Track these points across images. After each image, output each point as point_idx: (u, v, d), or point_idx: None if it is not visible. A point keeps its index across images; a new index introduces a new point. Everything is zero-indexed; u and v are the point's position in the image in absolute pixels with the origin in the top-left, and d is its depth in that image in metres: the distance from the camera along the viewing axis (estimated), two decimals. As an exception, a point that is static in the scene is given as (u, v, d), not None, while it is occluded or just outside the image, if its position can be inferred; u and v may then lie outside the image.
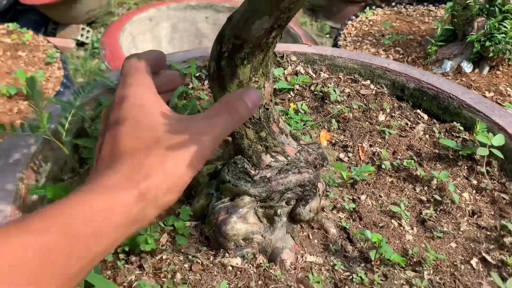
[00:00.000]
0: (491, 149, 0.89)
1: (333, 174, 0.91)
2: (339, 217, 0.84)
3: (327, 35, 4.20)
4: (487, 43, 2.41)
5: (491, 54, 2.40)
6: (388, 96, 1.11)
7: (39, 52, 2.52)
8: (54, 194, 0.70)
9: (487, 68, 2.50)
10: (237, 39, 0.68)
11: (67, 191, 0.70)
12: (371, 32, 2.93)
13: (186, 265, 0.73)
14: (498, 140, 0.89)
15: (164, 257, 0.74)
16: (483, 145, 0.89)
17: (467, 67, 2.51)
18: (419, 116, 1.07)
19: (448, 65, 2.50)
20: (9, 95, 2.14)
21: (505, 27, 2.35)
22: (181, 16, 2.88)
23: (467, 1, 2.41)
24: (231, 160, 0.79)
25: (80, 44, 3.74)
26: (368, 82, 1.14)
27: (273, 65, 1.12)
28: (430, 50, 2.56)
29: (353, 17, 3.04)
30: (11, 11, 3.91)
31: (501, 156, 0.88)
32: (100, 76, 1.00)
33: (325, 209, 0.85)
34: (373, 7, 3.14)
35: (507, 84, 2.46)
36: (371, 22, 3.02)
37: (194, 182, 0.85)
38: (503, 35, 2.33)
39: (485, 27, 2.42)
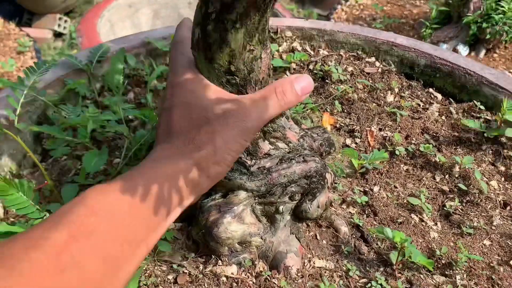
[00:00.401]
0: (519, 128, 0.77)
1: (339, 162, 0.79)
2: (350, 212, 0.72)
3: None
4: (484, 25, 2.31)
5: (487, 36, 2.29)
6: (396, 74, 0.99)
7: (9, 41, 2.34)
8: (2, 190, 0.55)
9: (483, 51, 2.41)
10: (227, -4, 0.55)
11: (19, 187, 0.56)
12: (362, 16, 2.81)
13: (170, 277, 0.60)
14: (527, 118, 0.77)
15: (143, 267, 0.60)
16: (511, 125, 0.77)
17: (463, 50, 2.41)
18: (432, 96, 0.95)
19: (444, 47, 2.39)
20: (-24, 86, 1.97)
21: (502, 7, 2.25)
22: (162, 1, 2.72)
23: (463, -19, 2.30)
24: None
25: (58, 35, 3.55)
26: (373, 59, 1.01)
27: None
28: (424, 33, 2.46)
29: (343, 1, 2.92)
30: (-18, 1, 3.70)
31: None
32: (67, 56, 0.86)
33: (333, 204, 0.72)
34: (363, -10, 3.02)
35: (505, 67, 2.36)
36: (361, 6, 2.90)
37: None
38: (501, 16, 2.23)
39: (482, 8, 2.32)
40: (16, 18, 3.68)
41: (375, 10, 2.80)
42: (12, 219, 0.66)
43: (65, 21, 3.59)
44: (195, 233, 0.65)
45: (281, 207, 0.64)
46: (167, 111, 0.54)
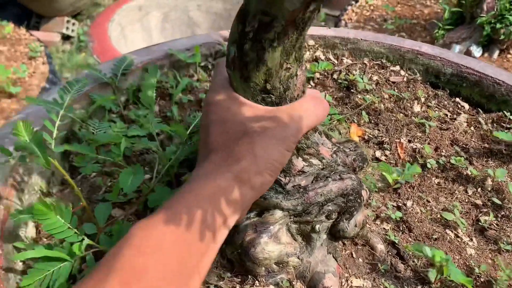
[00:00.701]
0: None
1: (371, 176, 0.78)
2: (384, 228, 0.71)
3: (323, 23, 4.05)
4: (498, 25, 2.28)
5: (501, 37, 2.27)
6: (421, 83, 0.98)
7: (21, 46, 2.34)
8: (39, 213, 0.55)
9: (497, 52, 2.38)
10: (265, 15, 0.54)
11: (57, 210, 0.56)
12: (373, 17, 2.79)
13: (208, 298, 0.59)
14: None
15: None
16: (545, 137, 0.76)
17: (476, 51, 2.38)
18: (459, 105, 0.93)
19: (457, 49, 2.37)
20: (-11, 93, 1.97)
21: (516, 7, 2.23)
22: (172, 4, 2.71)
23: (476, -19, 2.27)
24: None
25: (66, 38, 3.55)
26: (398, 68, 1.00)
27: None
28: (437, 34, 2.43)
29: (353, 2, 2.90)
30: (-11, 4, 3.70)
31: None
32: (91, 69, 0.85)
33: (367, 220, 0.71)
34: (373, -9, 3.00)
35: (519, 68, 2.34)
36: (371, 7, 2.88)
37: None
38: (515, 16, 2.20)
39: (495, 9, 2.30)
40: (25, 21, 3.69)
41: (385, 10, 2.78)
42: (45, 239, 0.65)
43: (73, 23, 3.59)
44: (230, 252, 0.64)
45: (317, 226, 0.63)
46: (205, 129, 0.55)
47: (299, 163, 0.65)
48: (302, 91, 0.63)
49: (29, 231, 0.65)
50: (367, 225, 0.70)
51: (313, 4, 0.52)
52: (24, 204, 0.66)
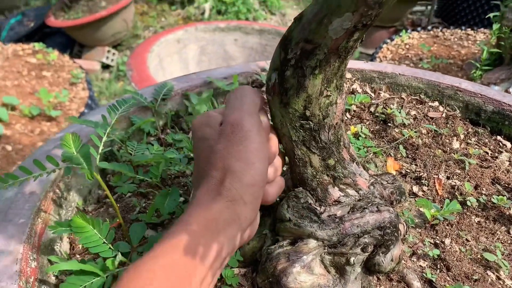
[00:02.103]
0: None
1: (408, 211, 0.76)
2: (421, 266, 0.68)
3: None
4: (538, 68, 2.24)
5: (542, 79, 2.22)
6: (461, 120, 0.96)
7: (64, 72, 2.45)
8: (78, 226, 0.56)
9: (537, 94, 2.32)
10: (308, 42, 0.54)
11: (95, 224, 0.56)
12: (408, 56, 2.79)
13: (237, 327, 0.58)
14: None
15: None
16: None
17: (515, 92, 2.33)
18: (501, 144, 0.91)
19: (495, 89, 2.32)
20: (31, 115, 2.05)
21: (557, 50, 2.18)
22: (209, 38, 2.79)
23: (516, 23, 2.25)
24: (291, 193, 0.64)
25: (105, 67, 3.69)
26: (437, 103, 0.98)
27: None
28: (474, 75, 2.40)
29: (388, 40, 2.91)
30: (38, 33, 3.91)
31: None
32: (133, 93, 0.88)
33: (403, 256, 0.69)
34: (409, 30, 3.01)
35: (560, 112, 2.26)
36: (407, 46, 2.88)
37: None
38: (556, 59, 2.15)
39: (536, 51, 2.26)
40: (68, 50, 3.87)
41: (421, 50, 2.77)
42: (78, 255, 0.65)
43: (113, 53, 3.74)
44: (261, 280, 0.62)
45: (352, 259, 0.61)
46: (194, 162, 0.55)
47: (335, 192, 0.64)
48: (341, 119, 0.62)
49: (63, 246, 0.66)
50: (403, 261, 0.67)
51: (356, 33, 0.53)
52: (62, 219, 0.67)
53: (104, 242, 0.55)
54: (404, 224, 0.66)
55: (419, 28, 3.05)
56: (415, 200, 0.75)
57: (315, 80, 0.57)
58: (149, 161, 0.67)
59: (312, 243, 0.61)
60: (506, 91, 2.31)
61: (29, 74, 2.39)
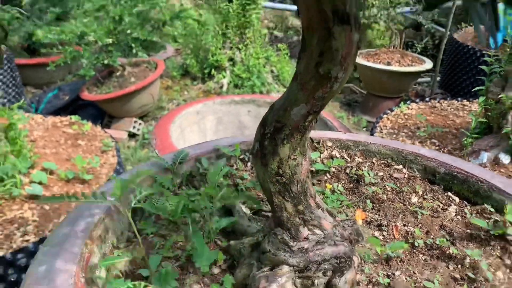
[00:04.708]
0: (522, 229, 0.92)
1: (368, 250, 0.96)
2: (374, 291, 0.87)
3: (364, 129, 4.34)
4: (523, 136, 2.44)
5: (528, 147, 2.41)
6: (420, 179, 1.17)
7: (96, 141, 2.76)
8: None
9: (525, 160, 2.50)
10: (278, 122, 0.79)
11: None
12: (407, 125, 3.03)
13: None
14: (529, 220, 0.92)
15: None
16: (514, 225, 0.93)
17: (504, 158, 2.52)
18: (451, 199, 1.11)
19: (485, 156, 2.52)
20: (67, 179, 2.33)
21: (540, 120, 2.39)
22: (225, 110, 3.11)
23: (499, 96, 2.49)
24: (271, 231, 0.87)
25: (132, 135, 4.04)
26: (401, 166, 1.21)
27: (310, 149, 1.22)
28: (465, 142, 2.61)
29: (388, 111, 3.18)
30: (72, 105, 4.33)
31: (533, 236, 0.91)
32: (158, 158, 1.13)
33: (360, 284, 0.88)
34: (408, 101, 3.28)
35: (549, 176, 2.43)
36: (406, 116, 3.14)
37: (237, 253, 0.92)
38: (539, 128, 2.36)
39: (520, 120, 2.47)
40: (99, 120, 4.26)
41: (419, 120, 3.02)
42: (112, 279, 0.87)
43: (140, 124, 4.10)
44: (248, 298, 0.83)
45: (316, 281, 0.81)
46: None
47: (305, 231, 0.86)
48: (306, 176, 0.86)
49: (102, 272, 0.88)
50: (359, 287, 0.87)
51: (310, 116, 0.78)
52: (101, 252, 0.90)
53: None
54: (358, 257, 0.87)
55: (417, 100, 3.31)
56: (368, 238, 0.96)
57: (284, 148, 0.81)
58: (176, 204, 0.90)
59: (285, 268, 0.82)
60: (496, 157, 2.51)
61: (66, 143, 2.71)
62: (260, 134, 0.83)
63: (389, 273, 0.91)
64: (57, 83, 5.10)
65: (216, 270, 0.91)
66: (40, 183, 2.25)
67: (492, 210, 1.04)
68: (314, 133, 1.30)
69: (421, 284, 0.88)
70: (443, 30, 4.32)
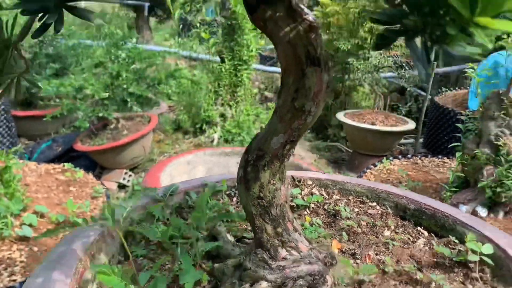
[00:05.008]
0: (482, 256, 1.01)
1: (342, 274, 1.04)
2: (347, 310, 0.94)
3: (350, 185, 4.45)
4: (498, 189, 2.56)
5: (503, 200, 2.53)
6: (392, 216, 1.27)
7: (87, 188, 2.83)
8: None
9: (501, 213, 2.61)
10: (260, 150, 0.91)
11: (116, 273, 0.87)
12: (389, 179, 3.15)
13: None
14: (487, 248, 1.02)
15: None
16: (474, 252, 1.02)
17: (482, 211, 2.63)
18: (420, 232, 1.21)
19: (464, 209, 2.63)
20: (58, 222, 2.38)
21: (513, 173, 2.53)
22: (216, 161, 3.23)
23: (475, 152, 2.63)
24: (252, 251, 0.95)
25: (122, 187, 4.10)
26: (375, 203, 1.31)
27: (290, 184, 1.32)
28: (444, 196, 2.73)
29: (372, 166, 3.30)
30: (65, 156, 4.42)
31: (491, 263, 1.00)
32: (150, 190, 1.23)
33: (334, 303, 0.95)
34: (391, 158, 3.42)
35: (525, 229, 2.52)
36: (388, 171, 3.27)
37: (220, 274, 0.99)
38: (513, 181, 2.49)
39: (494, 175, 2.61)
40: (90, 171, 4.33)
41: (401, 174, 3.14)
42: (103, 295, 0.94)
43: (130, 175, 4.18)
44: (229, 313, 0.90)
45: (292, 296, 0.89)
46: None
47: (283, 252, 0.94)
48: (285, 201, 0.96)
49: (94, 286, 0.94)
50: (333, 305, 0.94)
51: (288, 145, 0.89)
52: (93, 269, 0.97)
53: (121, 281, 0.85)
54: (332, 277, 0.95)
55: (400, 156, 3.46)
56: (340, 259, 1.04)
57: (265, 173, 0.91)
58: (165, 232, 0.98)
59: (264, 284, 0.89)
60: (474, 210, 2.61)
61: (58, 188, 2.77)
62: (244, 161, 0.93)
63: (361, 295, 0.98)
64: (51, 135, 5.21)
65: (200, 290, 0.98)
66: (30, 225, 2.29)
67: (457, 241, 1.13)
68: (295, 172, 1.41)
69: (390, 305, 0.96)
70: (425, 94, 4.58)
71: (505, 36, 2.77)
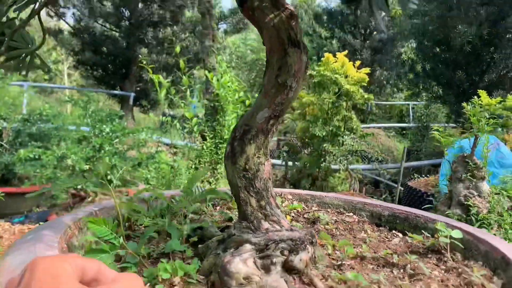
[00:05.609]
0: (452, 240, 1.07)
1: (322, 254, 1.07)
2: (327, 284, 0.97)
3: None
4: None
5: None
6: (368, 224, 1.33)
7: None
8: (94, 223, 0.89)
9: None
10: (246, 125, 1.00)
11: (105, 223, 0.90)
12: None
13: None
14: (456, 233, 1.08)
15: None
16: (444, 235, 1.08)
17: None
18: (395, 234, 1.27)
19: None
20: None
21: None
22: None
23: (447, 212, 2.73)
24: (237, 221, 0.99)
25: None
26: (352, 214, 1.37)
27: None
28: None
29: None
30: (38, 231, 4.28)
31: (461, 245, 1.06)
32: (139, 193, 1.27)
33: (314, 278, 0.98)
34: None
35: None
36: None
37: (205, 249, 1.02)
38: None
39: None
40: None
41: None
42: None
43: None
44: (214, 276, 0.92)
45: (274, 259, 0.92)
46: None
47: (266, 225, 0.99)
48: (268, 177, 1.03)
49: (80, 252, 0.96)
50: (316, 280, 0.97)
51: (272, 120, 0.99)
52: (79, 236, 0.99)
53: (110, 233, 0.88)
54: (312, 247, 0.99)
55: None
56: (320, 235, 1.08)
57: (251, 147, 1.00)
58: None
59: (248, 246, 0.93)
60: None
61: (31, 246, 2.70)
62: (231, 138, 1.02)
63: (340, 273, 1.01)
64: (24, 213, 5.10)
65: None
66: None
67: (429, 235, 1.19)
68: (276, 189, 1.48)
69: (369, 277, 0.99)
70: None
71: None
